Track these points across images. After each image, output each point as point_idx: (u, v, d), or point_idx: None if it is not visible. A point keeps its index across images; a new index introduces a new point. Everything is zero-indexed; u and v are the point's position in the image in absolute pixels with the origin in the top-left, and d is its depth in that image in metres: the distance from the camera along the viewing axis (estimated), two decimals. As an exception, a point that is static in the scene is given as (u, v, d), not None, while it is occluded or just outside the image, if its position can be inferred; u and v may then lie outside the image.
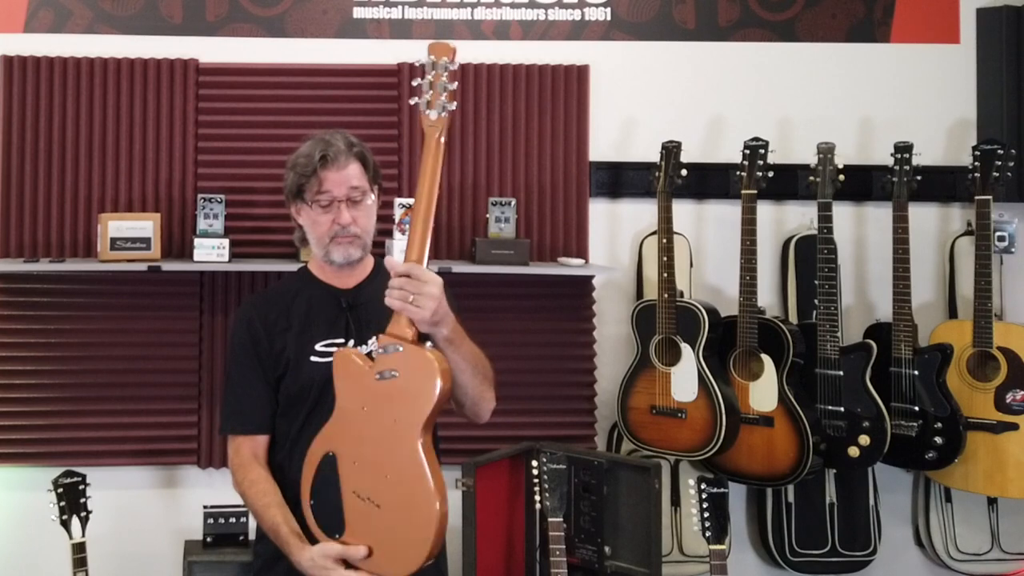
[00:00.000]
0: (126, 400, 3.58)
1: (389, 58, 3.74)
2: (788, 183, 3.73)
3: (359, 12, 3.76)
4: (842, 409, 3.46)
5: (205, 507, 3.41)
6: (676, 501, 3.66)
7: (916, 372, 3.47)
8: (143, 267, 3.40)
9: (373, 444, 2.12)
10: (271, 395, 2.44)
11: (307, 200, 2.40)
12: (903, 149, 3.55)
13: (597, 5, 3.82)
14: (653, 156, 3.63)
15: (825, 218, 3.53)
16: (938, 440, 3.44)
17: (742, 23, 3.86)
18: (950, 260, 3.79)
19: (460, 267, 3.48)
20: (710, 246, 3.84)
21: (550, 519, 3.11)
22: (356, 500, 2.14)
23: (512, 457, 3.42)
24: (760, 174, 3.53)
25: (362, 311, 2.45)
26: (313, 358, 2.41)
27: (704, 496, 3.04)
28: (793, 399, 3.43)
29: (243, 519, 3.37)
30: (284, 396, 2.43)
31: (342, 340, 2.41)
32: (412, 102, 2.19)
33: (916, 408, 3.46)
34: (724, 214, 3.78)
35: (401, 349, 2.10)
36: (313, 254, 2.50)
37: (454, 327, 2.19)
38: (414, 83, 2.19)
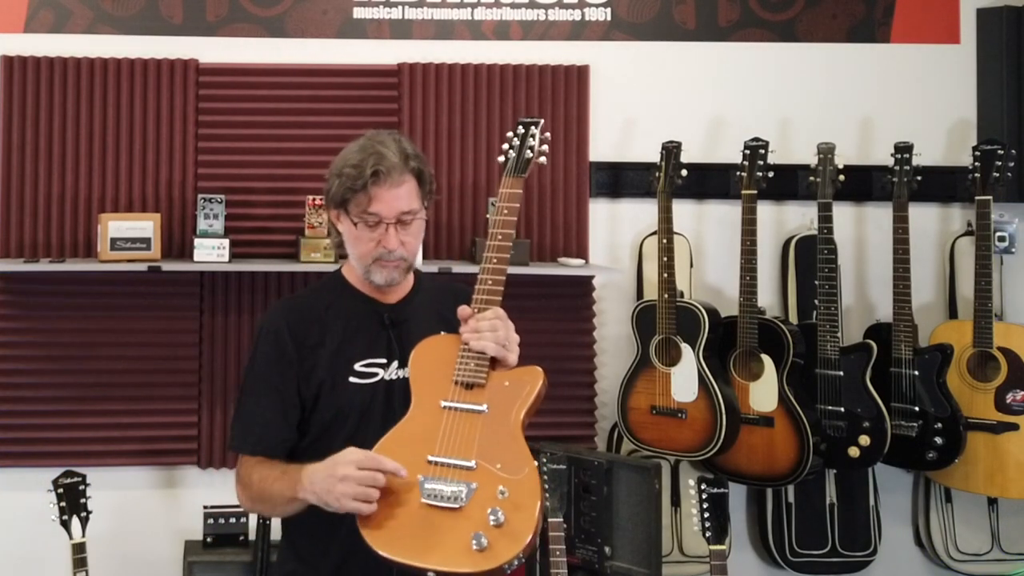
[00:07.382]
0: (126, 400, 3.59)
1: (389, 58, 3.74)
2: (788, 183, 3.73)
3: (359, 12, 3.76)
4: (842, 409, 3.46)
5: (205, 507, 3.41)
6: (676, 501, 3.65)
7: (916, 372, 3.47)
8: (143, 267, 3.40)
9: None
10: (290, 415, 2.17)
11: (351, 214, 2.16)
12: (903, 149, 3.55)
13: (597, 5, 3.82)
14: (653, 156, 3.63)
15: (825, 218, 3.52)
16: (938, 440, 3.44)
17: (742, 23, 3.86)
18: (950, 260, 3.79)
19: (460, 267, 3.48)
20: (710, 246, 3.83)
21: (550, 519, 3.10)
22: None
23: (512, 457, 3.41)
24: (760, 174, 3.53)
25: (404, 328, 2.22)
26: (352, 379, 2.17)
27: (704, 496, 3.03)
28: (793, 399, 3.43)
29: (243, 519, 3.37)
30: (317, 422, 2.18)
31: (384, 360, 2.20)
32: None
33: (916, 408, 3.46)
34: (724, 214, 3.78)
35: None
36: (349, 262, 2.28)
37: None
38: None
